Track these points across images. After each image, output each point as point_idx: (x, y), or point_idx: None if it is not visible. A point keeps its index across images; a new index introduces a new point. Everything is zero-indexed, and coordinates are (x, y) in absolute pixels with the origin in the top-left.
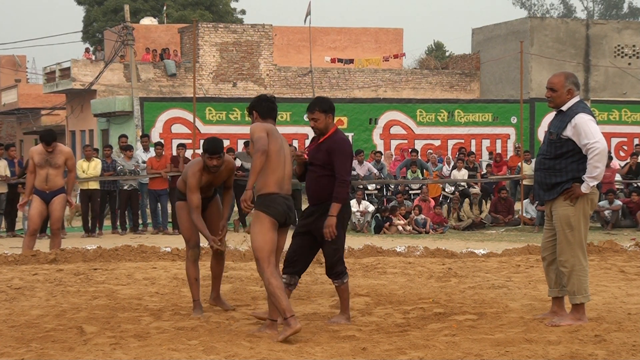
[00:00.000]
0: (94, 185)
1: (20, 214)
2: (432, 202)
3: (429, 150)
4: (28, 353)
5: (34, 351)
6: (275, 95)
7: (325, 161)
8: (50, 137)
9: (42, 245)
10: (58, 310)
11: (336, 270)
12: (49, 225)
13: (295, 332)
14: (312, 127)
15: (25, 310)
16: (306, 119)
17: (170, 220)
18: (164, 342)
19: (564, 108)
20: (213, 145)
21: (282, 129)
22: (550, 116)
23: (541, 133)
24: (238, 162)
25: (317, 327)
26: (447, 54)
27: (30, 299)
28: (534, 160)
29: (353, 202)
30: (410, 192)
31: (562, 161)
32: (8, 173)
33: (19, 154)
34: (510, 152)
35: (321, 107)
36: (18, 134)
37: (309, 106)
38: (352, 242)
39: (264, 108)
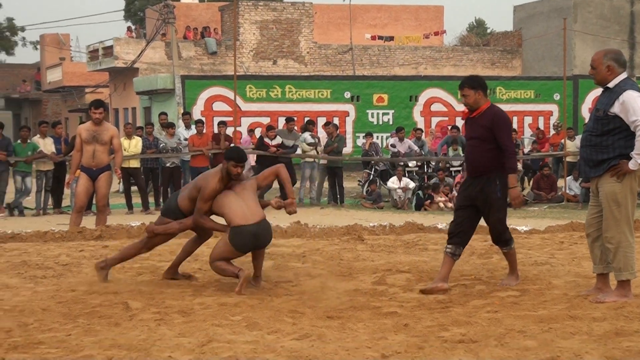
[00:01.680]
0: (135, 164)
1: (67, 191)
2: None
3: None
4: (75, 329)
5: (80, 327)
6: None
7: (484, 135)
8: (99, 102)
9: (88, 222)
10: (103, 286)
11: (503, 238)
12: (94, 202)
13: (246, 278)
14: (464, 103)
15: (72, 286)
16: (346, 97)
17: None
18: (208, 318)
19: (611, 85)
20: (239, 154)
21: (322, 106)
22: (595, 93)
23: (585, 110)
24: (279, 139)
25: (359, 303)
26: (488, 31)
27: (77, 275)
28: (577, 137)
29: (394, 179)
30: (451, 169)
31: (609, 138)
32: (54, 150)
33: (64, 132)
34: (553, 130)
35: (470, 84)
36: (63, 111)
37: (459, 84)
38: (393, 218)
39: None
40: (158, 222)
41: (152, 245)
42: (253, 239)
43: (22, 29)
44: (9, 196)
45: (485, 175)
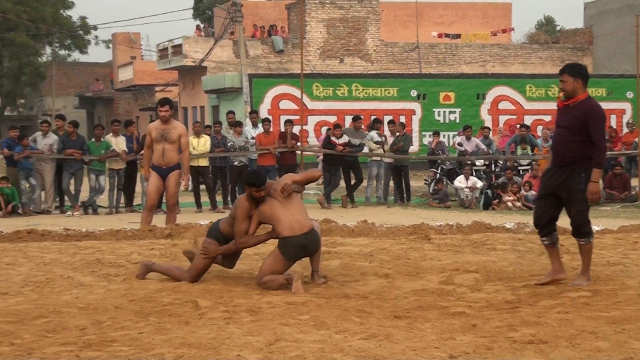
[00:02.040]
0: (204, 162)
1: (138, 189)
2: None
3: (540, 126)
4: (147, 327)
5: (152, 325)
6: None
7: (575, 125)
8: (165, 100)
9: (158, 220)
10: (174, 285)
11: (583, 230)
12: (164, 201)
13: (299, 276)
14: (560, 89)
15: (143, 285)
16: (413, 95)
17: None
18: (276, 317)
19: None
20: (259, 180)
21: (389, 105)
22: None
23: None
24: (345, 138)
25: (426, 303)
26: (557, 28)
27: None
28: None
29: (461, 178)
30: (519, 167)
31: None
32: (125, 149)
33: (136, 130)
34: (626, 128)
35: (570, 71)
36: (134, 110)
37: (560, 69)
38: (460, 218)
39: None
40: (205, 244)
41: (198, 275)
42: (301, 250)
43: (95, 27)
44: (83, 194)
45: (570, 165)
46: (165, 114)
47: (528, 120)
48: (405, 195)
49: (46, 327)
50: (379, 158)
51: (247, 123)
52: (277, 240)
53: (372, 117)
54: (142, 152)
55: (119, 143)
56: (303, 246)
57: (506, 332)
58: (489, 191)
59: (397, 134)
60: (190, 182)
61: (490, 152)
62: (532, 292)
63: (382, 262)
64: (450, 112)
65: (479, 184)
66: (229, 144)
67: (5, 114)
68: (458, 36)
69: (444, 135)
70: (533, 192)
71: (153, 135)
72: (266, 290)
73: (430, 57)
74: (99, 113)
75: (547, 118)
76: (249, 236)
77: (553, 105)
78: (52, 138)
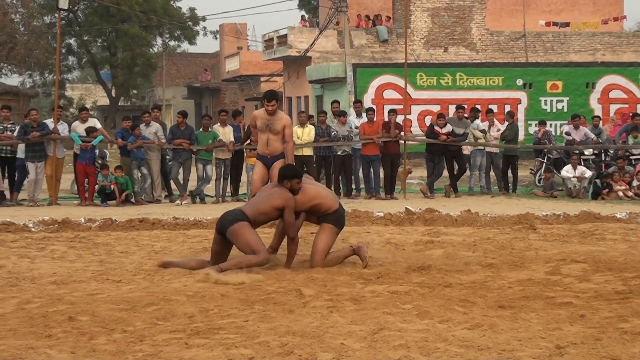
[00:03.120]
0: (308, 152)
1: (244, 178)
2: None
3: None
4: (252, 315)
5: (257, 313)
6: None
7: None
8: (272, 93)
9: None
10: (278, 273)
11: None
12: None
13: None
14: None
15: (249, 274)
16: (519, 84)
17: (382, 185)
18: (379, 306)
19: None
20: (298, 171)
21: (494, 94)
22: None
23: None
24: (449, 127)
25: (531, 293)
26: None
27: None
28: None
29: (568, 168)
30: (631, 157)
31: None
32: (233, 139)
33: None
34: None
35: None
36: (240, 100)
37: None
38: (567, 207)
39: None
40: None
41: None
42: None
43: (203, 18)
44: (191, 184)
45: None
46: (272, 108)
47: None
48: (511, 185)
49: (156, 315)
50: (482, 147)
51: (351, 112)
52: (323, 217)
53: (476, 106)
54: (247, 141)
55: (226, 133)
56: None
57: (616, 323)
58: (597, 181)
59: (507, 122)
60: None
61: (600, 141)
62: None
63: (485, 252)
64: (557, 101)
65: (588, 173)
66: (333, 133)
67: (119, 104)
68: (567, 24)
69: (550, 125)
70: None
71: (258, 124)
72: (369, 279)
73: (537, 45)
74: (206, 103)
75: None
76: (296, 225)
77: None
78: (155, 126)
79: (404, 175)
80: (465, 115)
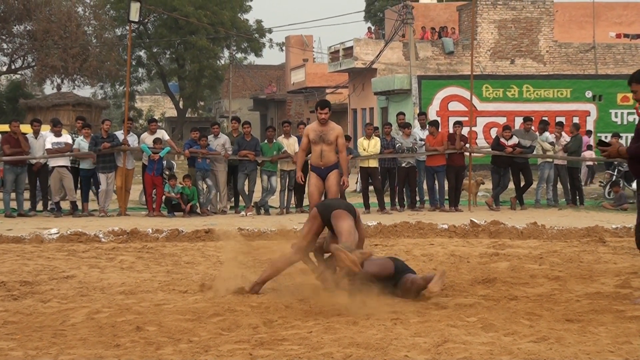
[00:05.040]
0: (374, 164)
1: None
2: None
3: None
4: (316, 326)
5: (321, 324)
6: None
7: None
8: (324, 102)
9: None
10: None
11: None
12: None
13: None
14: (635, 99)
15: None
16: (587, 96)
17: (447, 197)
18: (443, 319)
19: None
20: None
21: (561, 106)
22: None
23: None
24: (515, 139)
25: (600, 306)
26: None
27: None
28: None
29: None
30: None
31: None
32: (297, 150)
33: None
34: None
35: (637, 79)
36: (305, 112)
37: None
38: None
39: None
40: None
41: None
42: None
43: (270, 30)
44: (256, 195)
45: None
46: (325, 116)
47: None
48: (577, 197)
49: (221, 325)
50: (551, 160)
51: (416, 124)
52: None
53: (542, 118)
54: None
55: (290, 144)
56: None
57: None
58: None
59: (572, 134)
60: (358, 182)
61: None
62: None
63: (552, 265)
64: (628, 114)
65: None
66: (397, 145)
67: (187, 115)
68: (638, 36)
69: (621, 137)
70: None
71: (311, 137)
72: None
73: (607, 57)
74: (271, 115)
75: None
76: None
77: None
78: (223, 138)
79: (474, 187)
80: (533, 127)
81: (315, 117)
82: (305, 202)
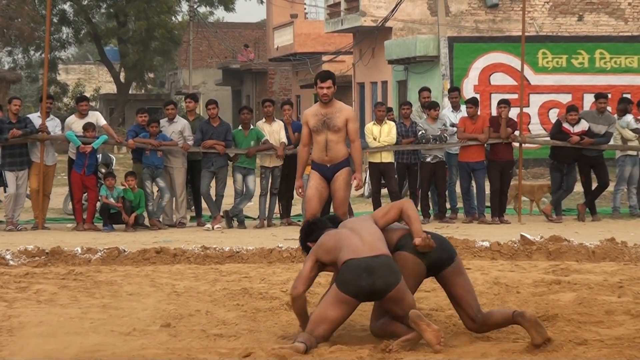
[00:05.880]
0: (388, 157)
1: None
2: None
3: None
4: None
5: None
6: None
7: None
8: (327, 74)
9: None
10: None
11: None
12: (331, 210)
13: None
14: None
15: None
16: None
17: (488, 204)
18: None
19: None
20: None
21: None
22: None
23: None
24: (584, 125)
25: None
26: None
27: (310, 306)
28: None
29: None
30: None
31: None
32: (285, 140)
33: (295, 114)
34: None
35: None
36: (294, 87)
37: None
38: None
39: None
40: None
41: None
42: (366, 276)
43: None
44: (227, 200)
45: None
46: (328, 91)
47: None
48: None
49: None
50: (635, 153)
51: (446, 104)
52: None
53: (623, 95)
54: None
55: (273, 132)
56: (368, 270)
57: None
58: None
59: None
60: (367, 184)
61: None
62: None
63: (637, 297)
64: None
65: None
66: (420, 132)
67: (131, 92)
68: None
69: None
70: None
71: (311, 124)
72: None
73: None
74: (247, 91)
75: None
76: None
77: None
78: (181, 123)
79: (538, 192)
80: (609, 108)
81: (306, 95)
82: (295, 210)
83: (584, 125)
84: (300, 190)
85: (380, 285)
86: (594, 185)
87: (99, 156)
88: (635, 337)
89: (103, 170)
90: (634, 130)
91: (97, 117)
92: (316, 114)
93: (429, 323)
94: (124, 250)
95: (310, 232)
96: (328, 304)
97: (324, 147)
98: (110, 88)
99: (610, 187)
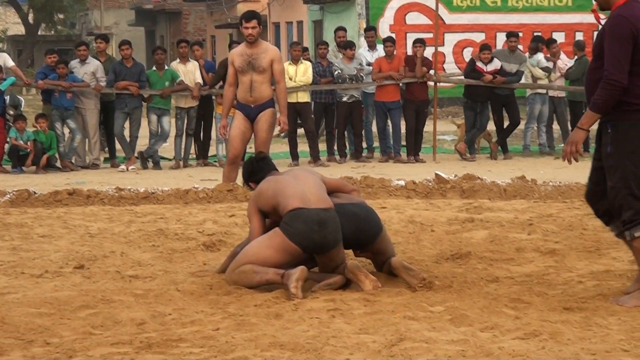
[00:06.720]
0: (304, 97)
1: (214, 134)
2: None
3: None
4: (225, 320)
5: (231, 319)
6: None
7: (597, 50)
8: (253, 13)
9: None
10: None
11: (622, 219)
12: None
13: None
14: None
15: (219, 262)
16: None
17: (404, 143)
18: (398, 308)
19: None
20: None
21: (561, 17)
22: None
23: None
24: (497, 63)
25: (611, 290)
26: None
27: (226, 250)
28: None
29: None
30: None
31: None
32: (200, 80)
33: (210, 54)
34: None
35: None
36: (209, 27)
37: None
38: None
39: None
40: None
41: None
42: (318, 229)
43: None
44: (141, 142)
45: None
46: (253, 31)
47: None
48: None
49: (92, 322)
50: (544, 91)
51: (362, 44)
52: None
53: (534, 34)
54: (219, 85)
55: (188, 72)
56: (320, 223)
57: None
58: None
59: (576, 56)
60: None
61: None
62: None
63: (546, 234)
64: None
65: None
66: (336, 72)
67: (40, 33)
68: None
69: None
70: None
71: (237, 64)
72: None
73: None
74: (161, 32)
75: None
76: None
77: None
78: (94, 64)
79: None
80: (520, 46)
81: (221, 35)
82: (212, 151)
83: (496, 64)
84: (224, 130)
85: (329, 241)
86: (506, 123)
87: (7, 98)
88: (544, 274)
89: (11, 112)
90: (544, 69)
91: (4, 59)
92: (242, 54)
93: (367, 273)
94: (35, 192)
95: (254, 172)
96: (269, 248)
97: (249, 88)
98: (18, 29)
99: (521, 126)
